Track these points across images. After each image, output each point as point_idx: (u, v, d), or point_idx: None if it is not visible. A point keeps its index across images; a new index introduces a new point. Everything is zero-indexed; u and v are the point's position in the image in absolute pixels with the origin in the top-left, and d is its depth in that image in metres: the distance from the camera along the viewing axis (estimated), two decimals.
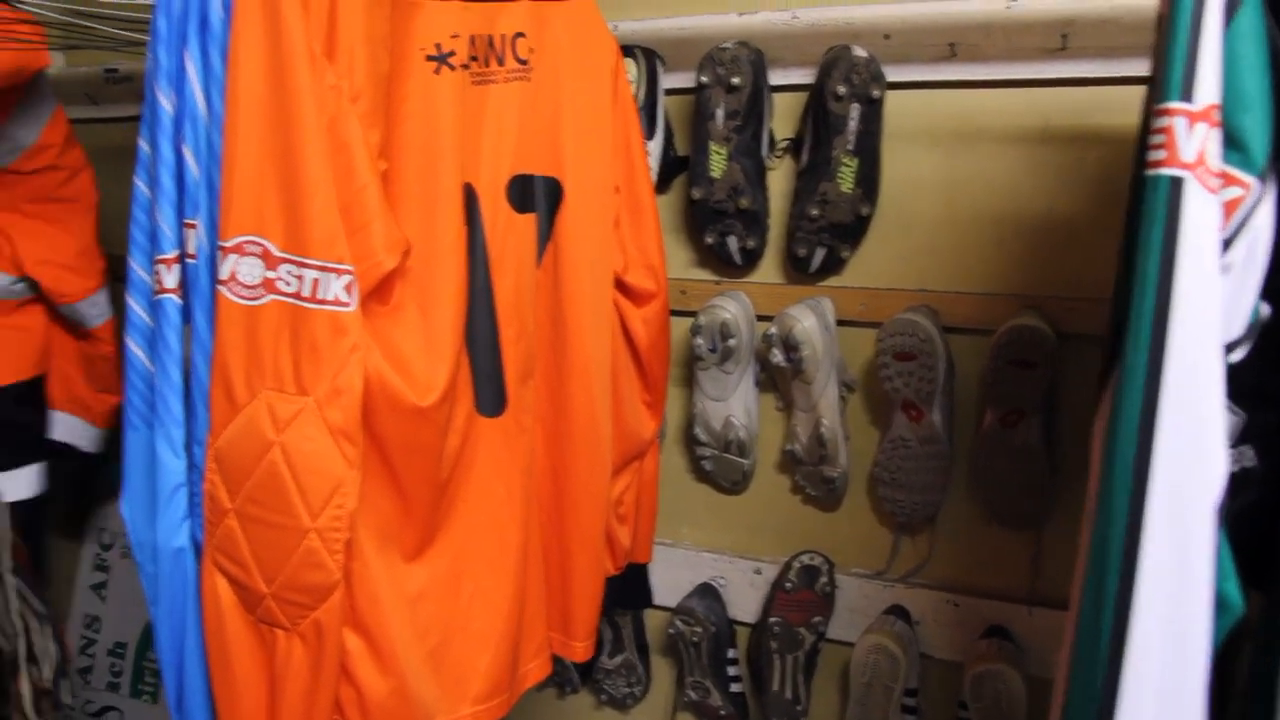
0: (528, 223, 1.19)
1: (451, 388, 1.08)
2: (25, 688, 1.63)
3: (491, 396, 1.17)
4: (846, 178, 1.48)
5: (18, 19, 1.40)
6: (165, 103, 1.02)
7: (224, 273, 0.95)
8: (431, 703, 1.12)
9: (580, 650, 1.35)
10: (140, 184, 1.07)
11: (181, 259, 1.04)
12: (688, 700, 1.75)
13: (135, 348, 1.10)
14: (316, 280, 0.95)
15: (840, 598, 1.64)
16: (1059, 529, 1.50)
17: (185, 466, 1.04)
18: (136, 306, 1.09)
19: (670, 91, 1.61)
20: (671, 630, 1.70)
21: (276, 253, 0.95)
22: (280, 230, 0.95)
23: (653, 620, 1.82)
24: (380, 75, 1.00)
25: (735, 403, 1.63)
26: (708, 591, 1.72)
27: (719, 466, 1.69)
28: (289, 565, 0.98)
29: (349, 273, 0.96)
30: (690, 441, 1.71)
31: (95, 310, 1.87)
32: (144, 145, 1.06)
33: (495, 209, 1.14)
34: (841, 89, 1.43)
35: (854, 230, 1.52)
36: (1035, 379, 1.41)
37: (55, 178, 1.77)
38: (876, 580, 1.64)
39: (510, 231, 1.17)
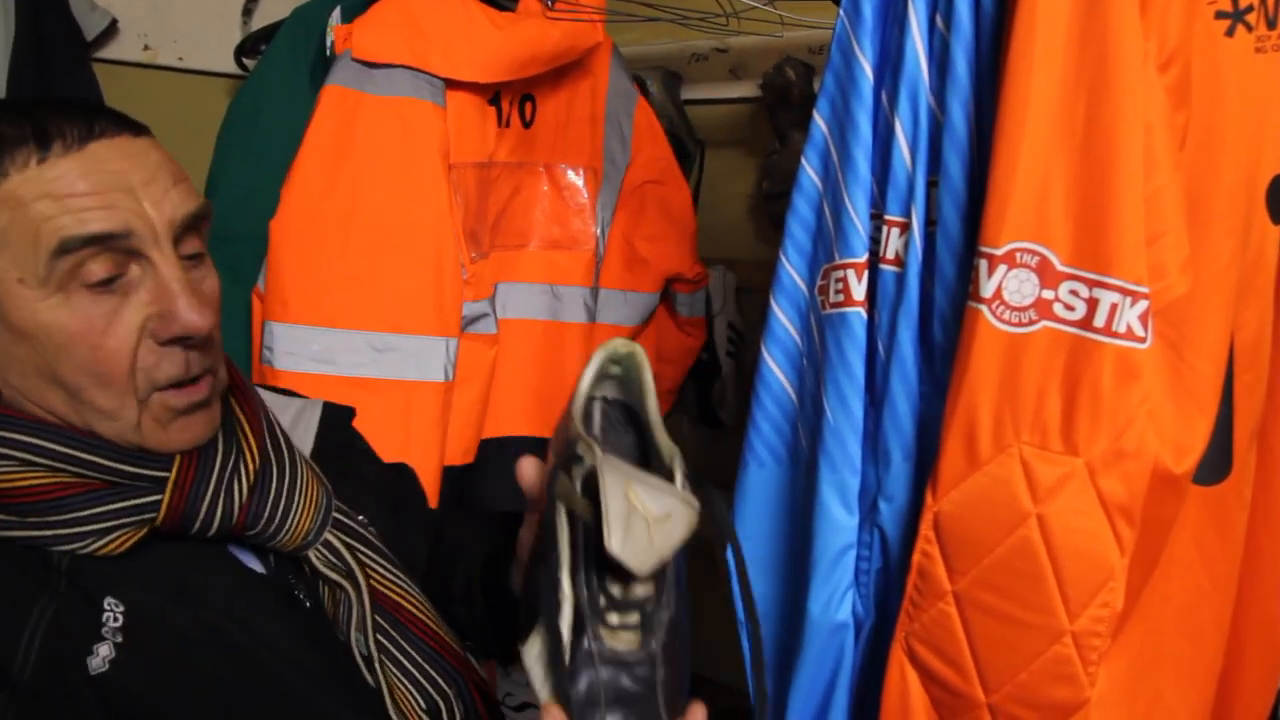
0: (1275, 236, 0.91)
1: (1205, 450, 0.82)
2: None
3: (1212, 458, 0.90)
4: None
5: None
6: (865, 65, 0.82)
7: (987, 289, 0.73)
8: None
9: None
10: (809, 170, 0.88)
11: (872, 264, 0.84)
12: None
13: (774, 366, 0.91)
14: (1114, 305, 0.71)
15: None
16: None
17: (857, 525, 0.85)
18: (783, 317, 0.90)
19: None
20: None
21: (1060, 266, 0.72)
22: (1067, 237, 0.72)
23: None
24: (1189, 35, 0.76)
25: None
26: None
27: None
28: (1026, 673, 0.76)
29: (1145, 297, 0.72)
30: None
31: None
32: (820, 123, 0.87)
33: (1250, 217, 0.87)
34: None
35: None
36: None
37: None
38: None
39: (1263, 248, 0.89)
